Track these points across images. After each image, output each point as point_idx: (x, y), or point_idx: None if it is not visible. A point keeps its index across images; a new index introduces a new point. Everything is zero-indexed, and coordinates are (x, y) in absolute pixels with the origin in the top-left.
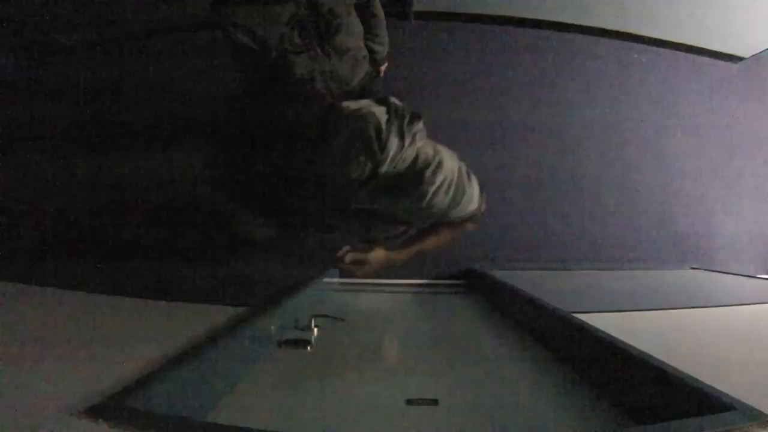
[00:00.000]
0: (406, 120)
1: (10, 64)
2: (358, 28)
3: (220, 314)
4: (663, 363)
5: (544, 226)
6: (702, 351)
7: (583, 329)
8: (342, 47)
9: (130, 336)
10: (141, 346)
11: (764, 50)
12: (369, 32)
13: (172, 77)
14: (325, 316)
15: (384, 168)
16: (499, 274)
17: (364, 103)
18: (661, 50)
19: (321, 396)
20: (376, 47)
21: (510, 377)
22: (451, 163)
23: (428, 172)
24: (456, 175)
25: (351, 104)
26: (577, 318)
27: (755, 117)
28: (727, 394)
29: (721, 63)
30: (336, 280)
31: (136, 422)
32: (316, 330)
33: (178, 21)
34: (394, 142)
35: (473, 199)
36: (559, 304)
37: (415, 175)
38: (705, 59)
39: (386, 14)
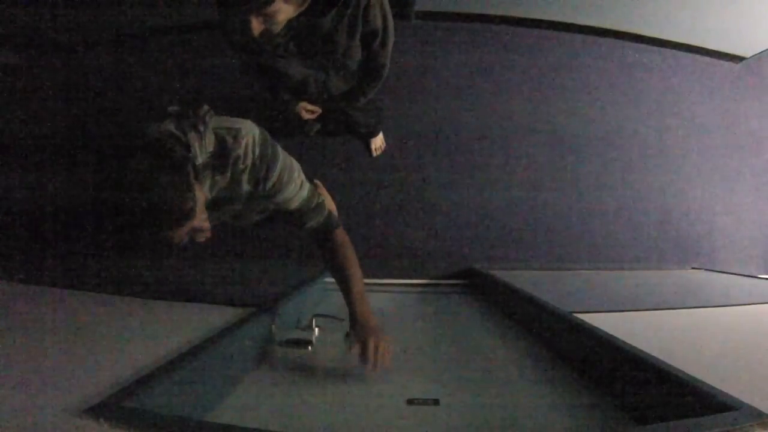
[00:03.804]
0: (191, 112)
1: (9, 63)
2: (358, 53)
3: (220, 314)
4: (663, 363)
5: (544, 226)
6: (702, 351)
7: (583, 329)
8: (338, 64)
9: (130, 336)
10: (141, 346)
11: (765, 50)
12: (367, 75)
13: (172, 77)
14: (327, 316)
15: (199, 159)
16: (499, 274)
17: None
18: (662, 50)
19: (322, 396)
20: (366, 89)
21: (510, 377)
22: (249, 126)
23: (229, 139)
24: (258, 132)
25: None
26: (577, 318)
27: (756, 117)
28: (728, 394)
29: (722, 63)
30: None
31: (136, 422)
32: (317, 330)
33: (178, 21)
34: (193, 136)
35: (294, 174)
36: (559, 304)
37: (222, 146)
38: (706, 59)
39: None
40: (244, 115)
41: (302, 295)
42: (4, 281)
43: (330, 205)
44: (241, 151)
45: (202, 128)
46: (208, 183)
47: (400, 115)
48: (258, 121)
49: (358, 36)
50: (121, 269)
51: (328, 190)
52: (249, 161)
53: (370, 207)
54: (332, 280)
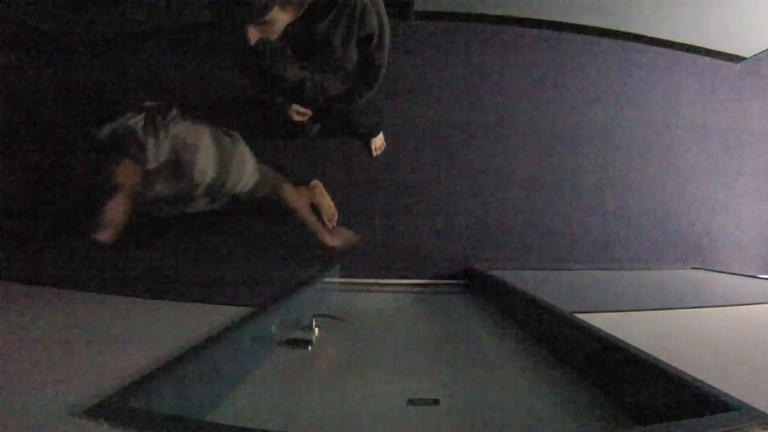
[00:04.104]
0: (159, 115)
1: (9, 62)
2: (354, 55)
3: (220, 314)
4: (663, 363)
5: (544, 226)
6: (702, 351)
7: (583, 329)
8: (334, 67)
9: (130, 336)
10: (141, 346)
11: (765, 50)
12: (364, 76)
13: (171, 77)
14: (326, 315)
15: (150, 164)
16: (499, 274)
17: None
18: (662, 50)
19: (322, 396)
20: (363, 91)
21: (510, 377)
22: (206, 144)
23: (185, 155)
24: (214, 149)
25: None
26: (577, 318)
27: (756, 117)
28: (728, 394)
29: (722, 63)
30: (337, 280)
31: (136, 422)
32: (317, 330)
33: (178, 21)
34: (151, 142)
35: (247, 168)
36: (559, 304)
37: (176, 157)
38: (706, 59)
39: (386, 14)
40: (240, 116)
41: (302, 295)
42: (4, 281)
43: (328, 205)
44: (195, 168)
45: (162, 135)
46: (159, 185)
47: (400, 115)
48: (255, 122)
49: (354, 39)
50: (121, 269)
51: (328, 190)
52: (207, 178)
53: (370, 207)
54: (332, 280)
